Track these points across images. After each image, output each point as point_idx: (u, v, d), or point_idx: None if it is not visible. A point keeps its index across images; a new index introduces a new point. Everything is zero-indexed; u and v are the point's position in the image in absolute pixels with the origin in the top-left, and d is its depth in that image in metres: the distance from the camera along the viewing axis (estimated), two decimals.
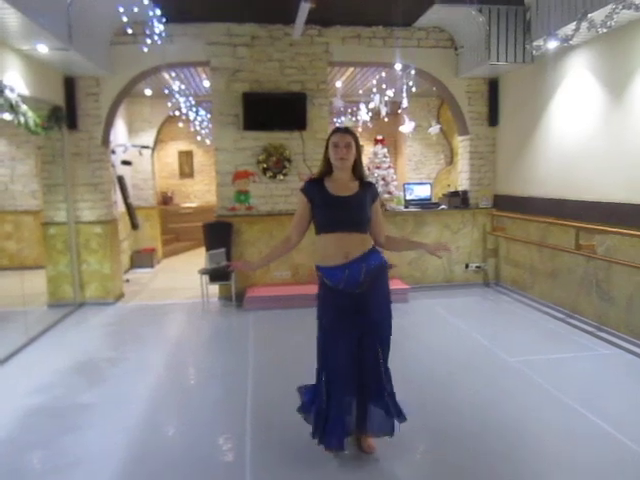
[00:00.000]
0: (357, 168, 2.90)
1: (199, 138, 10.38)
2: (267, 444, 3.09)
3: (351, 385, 2.84)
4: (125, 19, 5.29)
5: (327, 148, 2.86)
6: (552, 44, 4.96)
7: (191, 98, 8.57)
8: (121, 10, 5.19)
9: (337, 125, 9.61)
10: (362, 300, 2.80)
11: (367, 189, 2.90)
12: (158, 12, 5.34)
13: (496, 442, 3.07)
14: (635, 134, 4.53)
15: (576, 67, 5.29)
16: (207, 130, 9.75)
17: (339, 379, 2.82)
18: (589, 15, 4.34)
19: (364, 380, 2.85)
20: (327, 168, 2.88)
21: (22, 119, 4.89)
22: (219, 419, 3.45)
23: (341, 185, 2.86)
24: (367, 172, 7.12)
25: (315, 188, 2.88)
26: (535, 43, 5.25)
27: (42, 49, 4.91)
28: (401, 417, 2.92)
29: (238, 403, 3.65)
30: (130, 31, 5.67)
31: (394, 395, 2.93)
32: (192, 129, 9.86)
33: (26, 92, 5.12)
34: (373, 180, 7.12)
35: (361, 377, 2.85)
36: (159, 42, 5.57)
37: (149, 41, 5.56)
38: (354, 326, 2.80)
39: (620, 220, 4.66)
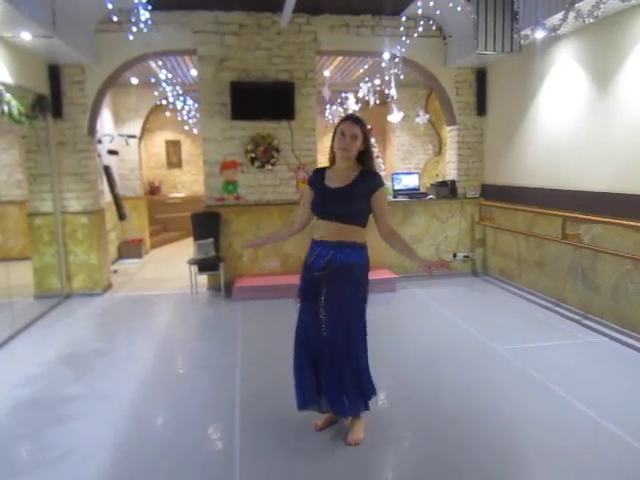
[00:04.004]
0: (365, 159, 2.83)
1: (187, 127, 10.28)
2: (256, 432, 3.10)
3: (307, 351, 2.90)
4: (110, 6, 5.20)
5: (335, 136, 2.79)
6: (539, 34, 4.96)
7: (178, 87, 8.48)
8: None
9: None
10: (319, 284, 2.84)
11: (364, 180, 2.79)
12: None
13: (482, 431, 3.10)
14: (621, 124, 4.56)
15: (563, 57, 5.31)
16: (195, 119, 9.66)
17: (298, 342, 2.96)
18: (576, 5, 4.34)
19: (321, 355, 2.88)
20: (334, 156, 2.86)
21: (5, 108, 4.81)
22: (208, 409, 3.45)
23: (338, 175, 2.83)
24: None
25: (317, 178, 2.92)
26: (523, 32, 5.24)
27: (25, 36, 4.83)
28: (361, 406, 2.95)
29: (227, 393, 3.66)
30: (115, 19, 5.59)
31: (358, 381, 2.89)
32: (179, 118, 9.75)
33: (9, 80, 5.02)
34: None
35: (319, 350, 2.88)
36: (145, 30, 5.49)
37: (135, 29, 5.48)
38: (316, 300, 2.86)
39: (606, 209, 4.70)
